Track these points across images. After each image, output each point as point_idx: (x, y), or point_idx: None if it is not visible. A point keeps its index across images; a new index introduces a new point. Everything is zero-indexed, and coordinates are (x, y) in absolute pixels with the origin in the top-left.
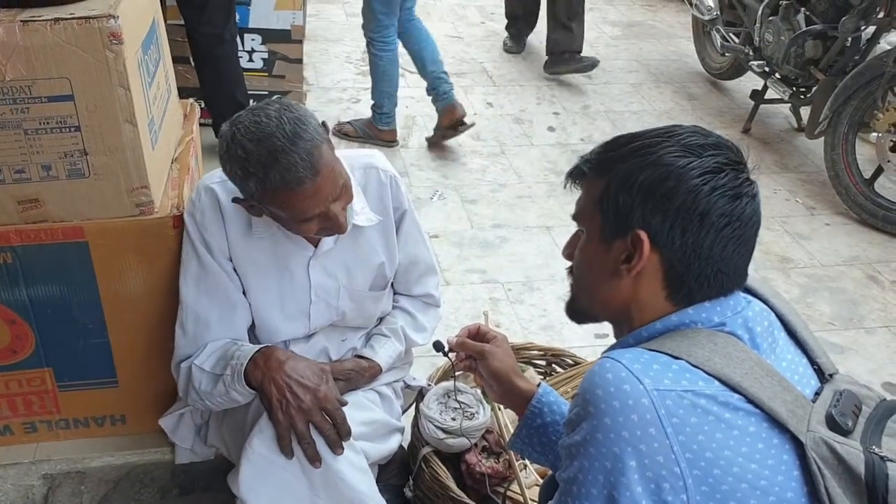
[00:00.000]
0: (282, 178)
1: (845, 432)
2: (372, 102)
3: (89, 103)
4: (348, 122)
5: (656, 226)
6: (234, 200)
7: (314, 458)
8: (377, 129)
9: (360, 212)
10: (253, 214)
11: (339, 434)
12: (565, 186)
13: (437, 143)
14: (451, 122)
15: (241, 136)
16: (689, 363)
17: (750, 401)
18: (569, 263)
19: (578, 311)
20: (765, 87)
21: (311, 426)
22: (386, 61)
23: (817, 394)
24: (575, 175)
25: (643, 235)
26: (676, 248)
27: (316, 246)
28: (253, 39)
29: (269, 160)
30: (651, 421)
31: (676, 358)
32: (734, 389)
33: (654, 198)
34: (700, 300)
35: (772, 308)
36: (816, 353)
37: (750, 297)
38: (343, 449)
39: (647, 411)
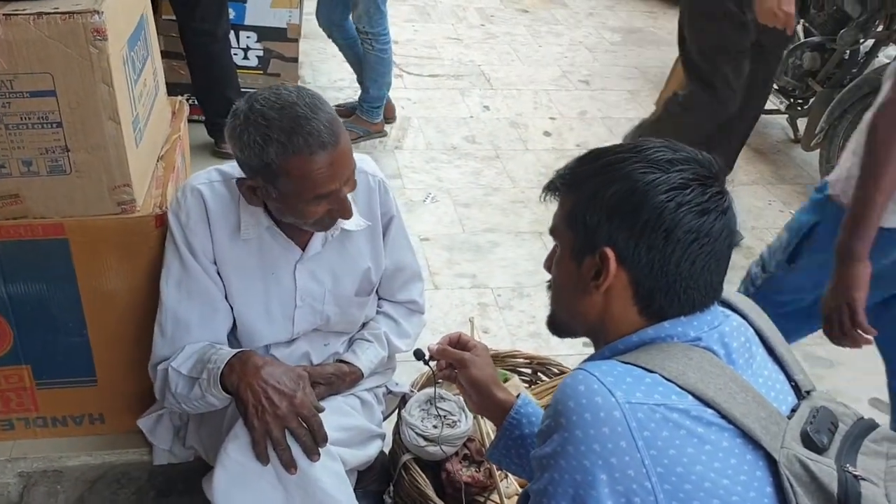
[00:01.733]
0: (305, 141)
1: (820, 450)
2: (362, 101)
3: (72, 99)
4: None
5: (622, 243)
6: (238, 182)
7: (290, 465)
8: (371, 124)
9: None
10: (251, 203)
11: (315, 440)
12: (541, 200)
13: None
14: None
15: (262, 105)
16: (663, 377)
17: (724, 416)
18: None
19: (558, 325)
20: None
21: (287, 432)
22: (390, 53)
23: (794, 410)
24: (550, 189)
25: (610, 253)
26: (643, 264)
27: (303, 249)
28: (248, 37)
29: (293, 125)
30: (622, 434)
31: (650, 371)
32: (708, 404)
33: (619, 214)
34: (674, 315)
35: (750, 323)
36: (794, 369)
37: (728, 312)
38: (319, 455)
39: (618, 424)
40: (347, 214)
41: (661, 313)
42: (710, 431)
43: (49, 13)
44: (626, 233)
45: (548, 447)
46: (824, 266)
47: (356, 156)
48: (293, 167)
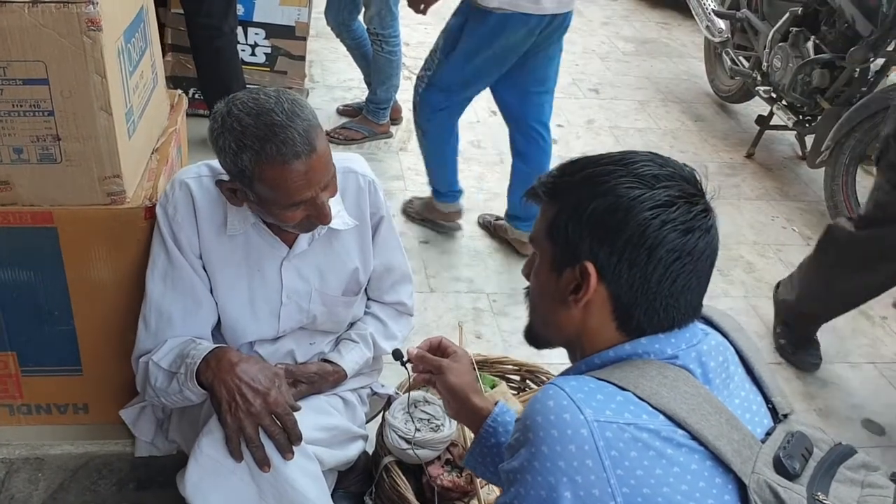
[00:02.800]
0: (278, 150)
1: (792, 476)
2: (368, 101)
3: (64, 89)
4: (344, 128)
5: (604, 258)
6: (218, 183)
7: (263, 463)
8: (377, 125)
9: (337, 215)
10: (233, 203)
11: (289, 439)
12: (523, 204)
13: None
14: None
15: (238, 110)
16: (636, 395)
17: (695, 438)
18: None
19: (534, 335)
20: (770, 113)
21: (261, 430)
22: (399, 56)
23: (769, 434)
24: (531, 196)
25: (590, 267)
26: (624, 281)
27: (290, 247)
28: (256, 33)
29: (267, 133)
30: (589, 452)
31: (623, 389)
32: (679, 425)
33: (602, 229)
34: (652, 332)
35: (731, 342)
36: (772, 391)
37: (709, 330)
38: (293, 454)
39: (585, 442)
40: (325, 220)
41: (640, 330)
42: (680, 453)
43: (43, 2)
44: (608, 248)
45: (515, 461)
46: (470, 55)
47: (346, 156)
48: (267, 175)
